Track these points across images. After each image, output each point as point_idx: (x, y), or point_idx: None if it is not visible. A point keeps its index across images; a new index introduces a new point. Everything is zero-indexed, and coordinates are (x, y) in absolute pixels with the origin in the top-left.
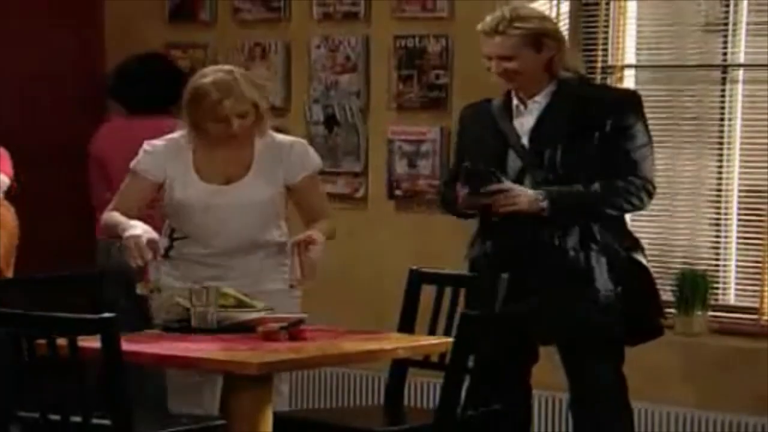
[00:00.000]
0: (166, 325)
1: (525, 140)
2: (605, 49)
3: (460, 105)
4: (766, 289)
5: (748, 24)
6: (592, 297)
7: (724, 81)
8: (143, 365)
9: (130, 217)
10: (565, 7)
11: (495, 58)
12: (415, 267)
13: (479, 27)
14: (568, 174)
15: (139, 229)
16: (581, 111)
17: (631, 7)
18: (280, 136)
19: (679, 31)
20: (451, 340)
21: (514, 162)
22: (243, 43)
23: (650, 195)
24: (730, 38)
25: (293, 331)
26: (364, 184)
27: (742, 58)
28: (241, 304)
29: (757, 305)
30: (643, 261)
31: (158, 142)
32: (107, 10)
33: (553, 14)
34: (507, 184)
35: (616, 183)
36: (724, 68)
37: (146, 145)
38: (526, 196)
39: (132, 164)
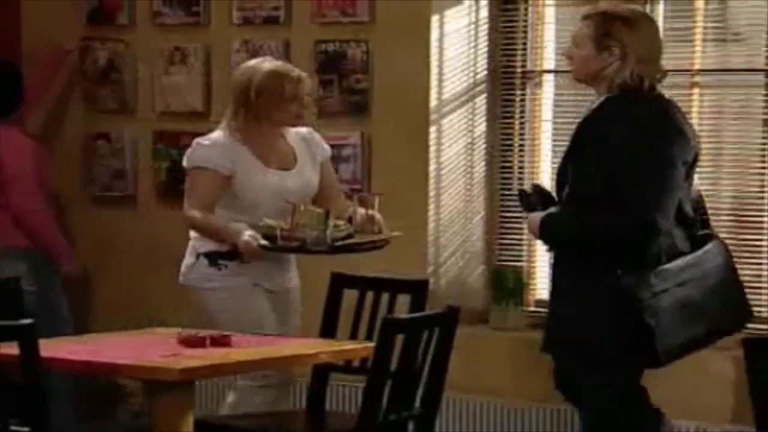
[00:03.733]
0: (269, 248)
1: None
2: (524, 54)
3: (381, 110)
4: None
5: (665, 29)
6: None
7: None
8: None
9: (212, 212)
10: (484, 12)
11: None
12: (336, 271)
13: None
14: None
15: (246, 235)
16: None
17: (549, 12)
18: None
19: None
20: (372, 344)
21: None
22: (163, 47)
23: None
24: None
25: (216, 337)
26: None
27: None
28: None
29: None
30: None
31: (214, 136)
32: (23, 14)
33: (473, 19)
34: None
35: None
36: None
37: (202, 140)
38: (532, 222)
39: (192, 162)
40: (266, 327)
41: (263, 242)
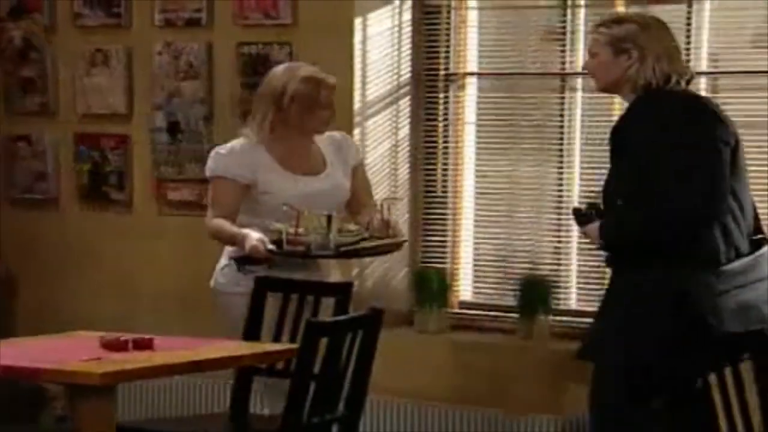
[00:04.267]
0: (277, 253)
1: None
2: (447, 57)
3: None
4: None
5: (586, 33)
6: None
7: (563, 89)
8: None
9: (233, 220)
10: (407, 15)
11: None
12: (260, 275)
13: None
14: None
15: (254, 240)
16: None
17: (472, 16)
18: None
19: (519, 40)
20: (296, 347)
21: None
22: (84, 48)
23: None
24: (568, 46)
25: (138, 340)
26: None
27: (580, 67)
28: (343, 229)
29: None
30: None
31: (232, 144)
32: None
33: (396, 21)
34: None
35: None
36: (563, 76)
37: (221, 149)
38: (591, 231)
39: (210, 171)
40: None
41: (270, 246)
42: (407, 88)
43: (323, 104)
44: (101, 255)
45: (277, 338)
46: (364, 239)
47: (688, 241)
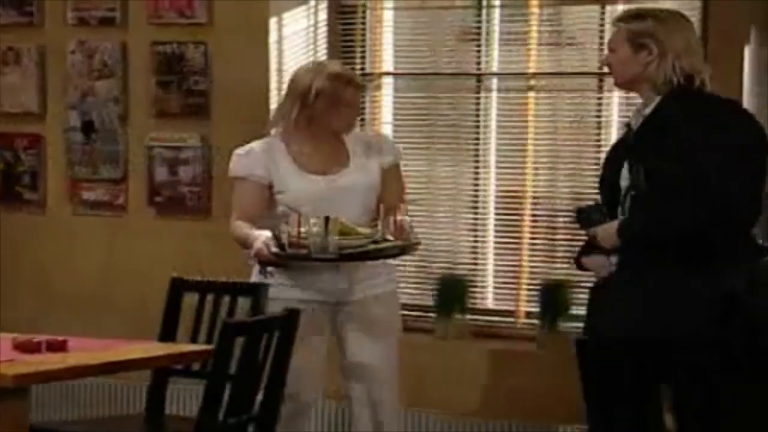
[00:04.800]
0: (280, 256)
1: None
2: (363, 57)
3: (220, 111)
4: (522, 292)
5: (500, 33)
6: None
7: (478, 89)
8: None
9: (254, 221)
10: (323, 15)
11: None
12: (176, 275)
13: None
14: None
15: (259, 242)
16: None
17: (388, 16)
18: (358, 131)
19: (435, 40)
20: (212, 348)
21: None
22: None
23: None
24: (483, 47)
25: (52, 342)
26: (123, 191)
27: (495, 67)
28: (351, 232)
29: (513, 308)
30: None
31: (251, 145)
32: None
33: (311, 21)
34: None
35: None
36: (479, 77)
37: (240, 150)
38: (605, 232)
39: (231, 172)
40: (313, 344)
41: (274, 249)
42: None
43: (348, 102)
44: (15, 255)
45: (194, 339)
46: (375, 242)
47: (735, 240)
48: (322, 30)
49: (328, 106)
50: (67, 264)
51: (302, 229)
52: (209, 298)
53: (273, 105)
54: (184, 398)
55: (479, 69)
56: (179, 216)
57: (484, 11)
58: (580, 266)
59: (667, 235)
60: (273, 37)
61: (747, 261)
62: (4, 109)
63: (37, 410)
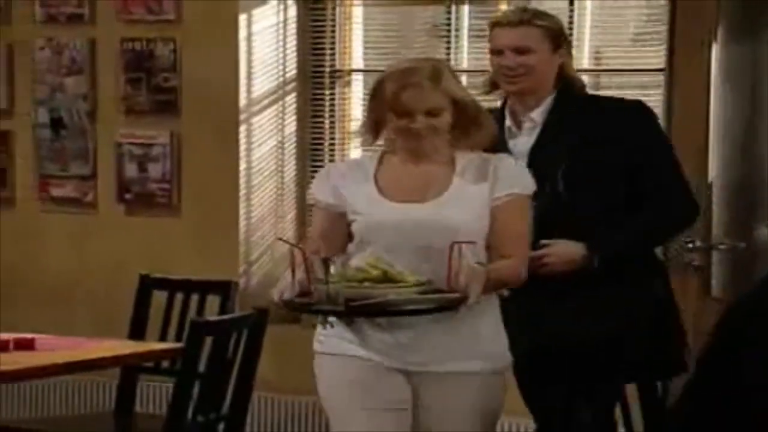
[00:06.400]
0: (287, 303)
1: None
2: (333, 54)
3: (189, 108)
4: None
5: (470, 30)
6: None
7: None
8: None
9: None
10: (292, 11)
11: (510, 51)
12: (145, 272)
13: (495, 19)
14: (572, 200)
15: (283, 282)
16: (588, 126)
17: (357, 12)
18: (487, 154)
19: (404, 36)
20: (181, 345)
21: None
22: None
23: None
24: (453, 43)
25: (20, 340)
26: (93, 188)
27: (465, 64)
28: (386, 278)
29: None
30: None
31: (338, 163)
32: None
33: (281, 18)
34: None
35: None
36: None
37: (322, 170)
38: (564, 251)
39: (308, 194)
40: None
41: (287, 296)
42: (293, 84)
43: (405, 109)
44: None
45: (163, 337)
46: (422, 293)
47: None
48: (292, 26)
49: (379, 111)
50: (36, 261)
51: (316, 274)
52: (179, 296)
53: (242, 102)
54: (154, 396)
55: (489, 72)
56: (149, 213)
57: (453, 7)
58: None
59: (656, 244)
60: (242, 33)
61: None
62: None
63: (5, 409)
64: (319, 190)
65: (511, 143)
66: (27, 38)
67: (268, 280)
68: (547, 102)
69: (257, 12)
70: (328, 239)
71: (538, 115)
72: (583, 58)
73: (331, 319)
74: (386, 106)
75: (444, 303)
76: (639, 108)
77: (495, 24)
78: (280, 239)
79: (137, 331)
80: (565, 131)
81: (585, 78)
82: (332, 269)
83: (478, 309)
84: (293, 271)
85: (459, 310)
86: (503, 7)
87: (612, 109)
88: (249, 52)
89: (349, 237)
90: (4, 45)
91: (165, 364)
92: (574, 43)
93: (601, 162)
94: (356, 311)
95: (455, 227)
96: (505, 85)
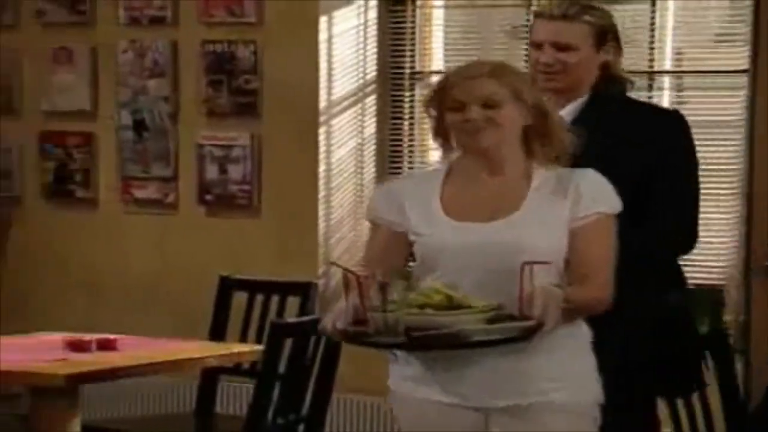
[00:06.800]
0: (341, 333)
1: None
2: (412, 55)
3: (270, 110)
4: None
5: None
6: None
7: None
8: None
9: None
10: (373, 13)
11: (549, 46)
12: (225, 274)
13: (538, 10)
14: None
15: (337, 309)
16: (617, 128)
17: (438, 14)
18: (568, 168)
19: (484, 38)
20: (261, 347)
21: None
22: (48, 46)
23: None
24: None
25: (102, 340)
26: (174, 190)
27: None
28: (450, 304)
29: None
30: None
31: (401, 176)
32: None
33: (361, 20)
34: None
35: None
36: None
37: (383, 184)
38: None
39: (368, 209)
40: None
41: (340, 325)
42: (373, 86)
43: (458, 100)
44: (66, 253)
45: (243, 338)
46: (491, 321)
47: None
48: (372, 28)
49: (437, 113)
50: (118, 262)
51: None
52: (259, 297)
53: (323, 104)
54: (234, 397)
55: (528, 68)
56: (229, 214)
57: (533, 9)
58: None
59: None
60: (323, 35)
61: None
62: (56, 108)
63: (88, 408)
64: (378, 206)
65: None
66: (110, 41)
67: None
68: (579, 102)
69: (338, 14)
70: (387, 261)
71: (567, 114)
72: (664, 59)
73: (398, 351)
74: (443, 104)
75: (516, 332)
76: (673, 115)
77: (537, 15)
78: (333, 263)
79: (218, 333)
80: (593, 132)
81: (666, 80)
82: (392, 295)
83: (564, 334)
84: (347, 297)
85: (532, 339)
86: None
87: (646, 113)
88: (329, 54)
89: (412, 258)
90: (88, 48)
91: (245, 365)
92: (656, 44)
93: (618, 166)
94: (419, 343)
95: (527, 249)
96: (542, 82)
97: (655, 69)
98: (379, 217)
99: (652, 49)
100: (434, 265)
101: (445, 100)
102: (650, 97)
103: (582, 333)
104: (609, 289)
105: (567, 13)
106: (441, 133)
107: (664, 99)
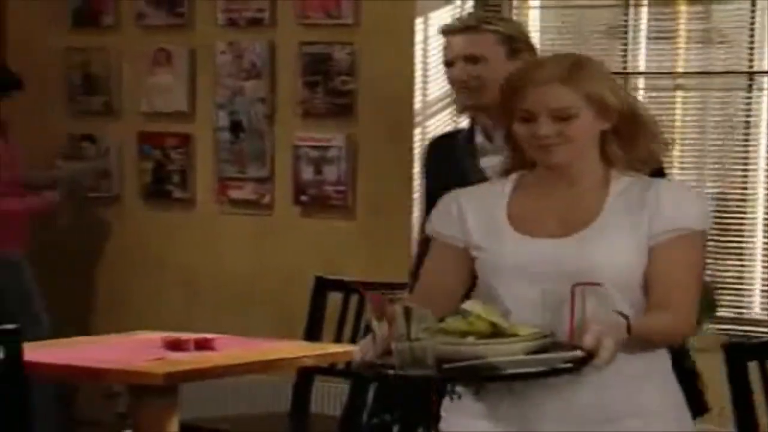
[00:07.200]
0: (369, 367)
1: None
2: None
3: (366, 111)
4: None
5: (648, 31)
6: None
7: (625, 87)
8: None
9: (441, 301)
10: (469, 9)
11: (461, 61)
12: (320, 274)
13: (442, 28)
14: None
15: (365, 343)
16: None
17: (534, 14)
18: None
19: (581, 38)
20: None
21: None
22: (147, 48)
23: None
24: (630, 45)
25: (200, 340)
26: (270, 190)
27: (642, 66)
28: (495, 332)
29: None
30: None
31: (470, 188)
32: (9, 15)
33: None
34: None
35: None
36: (625, 75)
37: (446, 196)
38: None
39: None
40: None
41: (368, 358)
42: None
43: (524, 109)
44: (164, 253)
45: (338, 338)
46: (538, 344)
47: None
48: None
49: (504, 116)
50: (214, 262)
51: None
52: (353, 297)
53: (418, 105)
54: (329, 397)
55: (625, 68)
56: (324, 215)
57: (631, 9)
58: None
59: None
60: (419, 37)
61: None
62: (155, 109)
63: (185, 407)
64: (439, 220)
65: (483, 161)
66: (208, 42)
67: None
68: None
69: (434, 15)
70: (441, 282)
71: (499, 136)
72: (764, 59)
73: (459, 389)
74: (511, 112)
75: (560, 363)
76: None
77: (444, 33)
78: (357, 288)
79: (313, 333)
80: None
81: (765, 80)
82: (424, 322)
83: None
84: (376, 326)
85: (581, 372)
86: (682, 8)
87: None
88: (425, 55)
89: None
90: (187, 49)
91: (340, 365)
92: (756, 44)
93: None
94: (449, 375)
95: (599, 268)
96: (461, 101)
97: (755, 69)
98: (438, 231)
99: (751, 49)
100: (495, 284)
101: (513, 107)
102: (749, 98)
103: (662, 355)
104: (690, 318)
105: (470, 24)
106: (511, 142)
107: (764, 100)
